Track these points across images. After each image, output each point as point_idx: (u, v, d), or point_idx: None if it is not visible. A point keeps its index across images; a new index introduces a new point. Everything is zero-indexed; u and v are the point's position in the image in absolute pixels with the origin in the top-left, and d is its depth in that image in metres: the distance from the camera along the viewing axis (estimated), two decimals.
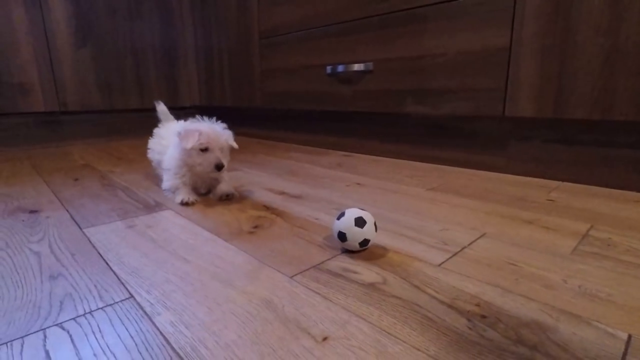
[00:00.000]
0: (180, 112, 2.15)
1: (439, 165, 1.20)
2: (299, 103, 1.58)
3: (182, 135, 0.80)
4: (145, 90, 1.98)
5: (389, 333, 0.38)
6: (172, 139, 0.88)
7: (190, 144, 0.79)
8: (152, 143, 1.00)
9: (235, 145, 0.86)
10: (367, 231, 0.55)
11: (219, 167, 0.80)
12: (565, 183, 0.96)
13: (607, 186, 0.91)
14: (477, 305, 0.43)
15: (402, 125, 1.31)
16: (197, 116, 0.87)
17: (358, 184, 0.99)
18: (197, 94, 2.18)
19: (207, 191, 0.91)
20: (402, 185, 0.97)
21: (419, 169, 1.17)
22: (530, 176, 1.03)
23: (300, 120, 1.71)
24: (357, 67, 1.29)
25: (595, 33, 0.83)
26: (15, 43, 1.57)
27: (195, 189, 0.89)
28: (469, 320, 0.40)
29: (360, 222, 0.55)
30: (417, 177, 1.06)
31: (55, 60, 1.68)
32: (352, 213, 0.56)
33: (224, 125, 0.86)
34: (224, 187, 0.88)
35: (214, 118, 0.87)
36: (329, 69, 1.38)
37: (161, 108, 1.09)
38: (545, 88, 0.92)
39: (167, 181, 0.88)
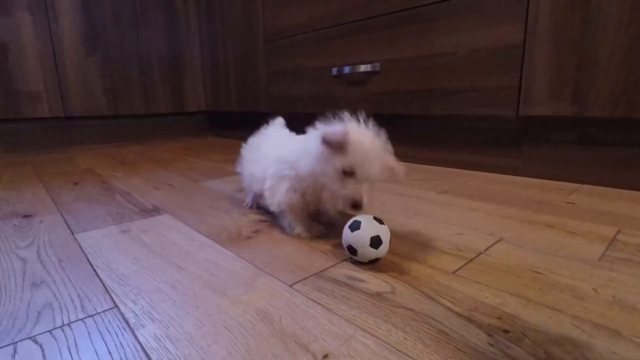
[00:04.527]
0: (186, 117, 2.14)
1: (450, 169, 1.15)
2: (304, 106, 1.55)
3: (329, 139, 0.53)
4: (151, 95, 1.97)
5: (398, 350, 0.34)
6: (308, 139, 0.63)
7: (338, 160, 0.53)
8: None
9: (399, 169, 0.56)
10: (381, 251, 0.49)
11: (356, 206, 0.53)
12: (584, 185, 0.90)
13: (630, 188, 0.85)
14: (499, 318, 0.38)
15: (410, 127, 1.26)
16: (347, 114, 0.59)
17: None
18: (203, 99, 2.15)
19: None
20: (412, 188, 0.92)
21: (429, 172, 1.12)
22: (546, 179, 0.97)
23: (306, 123, 1.67)
24: (363, 68, 1.25)
25: (617, 23, 0.78)
26: (22, 50, 1.57)
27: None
28: (489, 335, 0.35)
29: (376, 242, 0.49)
30: (427, 180, 1.01)
31: (62, 67, 1.67)
32: (368, 228, 0.49)
33: (384, 138, 0.58)
34: (332, 212, 0.66)
35: (370, 122, 0.60)
36: (334, 70, 1.35)
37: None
38: (562, 85, 0.87)
39: (278, 195, 0.62)
